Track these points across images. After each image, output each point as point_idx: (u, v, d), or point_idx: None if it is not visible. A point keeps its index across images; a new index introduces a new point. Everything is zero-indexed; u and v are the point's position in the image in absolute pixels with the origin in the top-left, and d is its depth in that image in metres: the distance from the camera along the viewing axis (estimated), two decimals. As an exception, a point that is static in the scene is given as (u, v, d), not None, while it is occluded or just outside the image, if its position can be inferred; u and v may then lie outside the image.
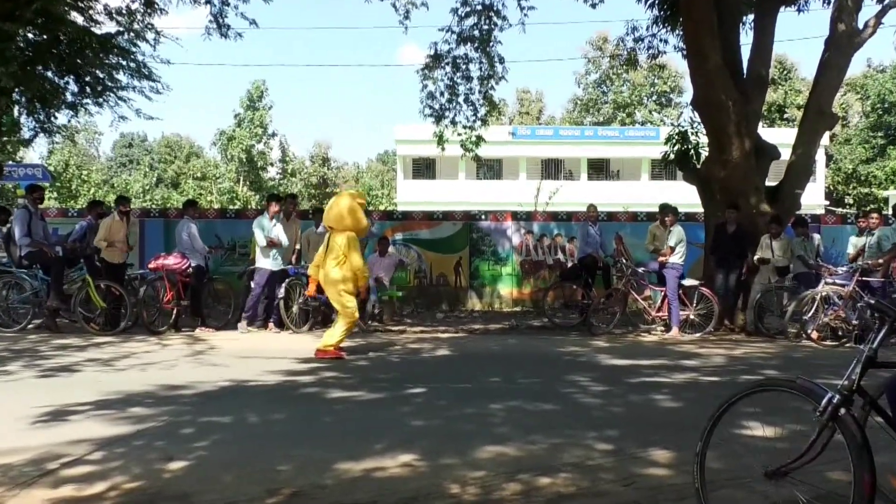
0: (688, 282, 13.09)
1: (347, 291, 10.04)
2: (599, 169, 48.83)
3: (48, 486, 4.56)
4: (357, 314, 10.22)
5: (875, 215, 12.79)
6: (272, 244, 12.86)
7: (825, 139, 21.90)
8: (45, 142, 21.22)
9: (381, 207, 56.50)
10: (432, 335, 12.93)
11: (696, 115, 14.68)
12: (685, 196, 15.24)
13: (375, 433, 5.79)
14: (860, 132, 48.19)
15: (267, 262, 12.91)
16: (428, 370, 9.12)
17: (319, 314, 13.36)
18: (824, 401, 3.59)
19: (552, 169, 47.83)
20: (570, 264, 17.29)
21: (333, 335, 9.98)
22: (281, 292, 12.75)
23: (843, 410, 3.56)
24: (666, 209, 13.41)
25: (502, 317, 16.09)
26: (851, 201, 48.13)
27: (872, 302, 3.53)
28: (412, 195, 44.71)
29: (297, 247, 13.71)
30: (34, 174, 19.47)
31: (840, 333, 12.10)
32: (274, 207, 13.18)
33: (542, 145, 46.19)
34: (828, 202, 45.44)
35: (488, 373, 8.79)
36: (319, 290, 10.39)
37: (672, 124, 17.72)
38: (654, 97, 58.10)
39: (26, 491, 4.47)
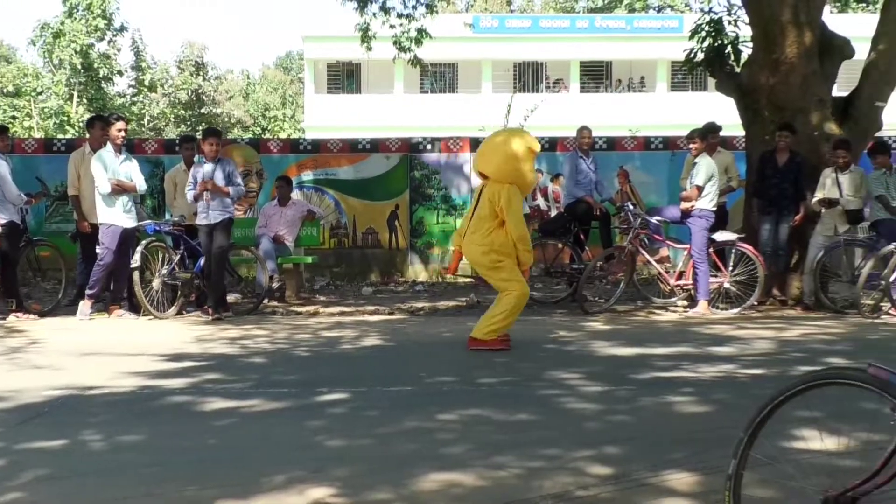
0: (722, 235, 13.25)
1: (502, 261, 10.10)
2: (597, 76, 49.03)
3: None
4: (527, 287, 10.34)
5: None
6: (119, 189, 12.72)
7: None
8: None
9: (283, 134, 56.30)
10: (357, 318, 12.94)
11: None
12: (718, 113, 15.37)
13: (274, 459, 5.80)
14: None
15: (115, 216, 12.78)
16: (351, 368, 9.12)
17: (192, 291, 13.30)
18: (906, 397, 3.69)
19: (529, 76, 47.89)
20: (553, 213, 17.39)
21: (493, 318, 10.06)
22: (136, 260, 12.65)
23: (934, 411, 3.66)
24: (695, 132, 13.51)
25: (457, 290, 16.18)
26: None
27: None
28: (327, 116, 44.54)
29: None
30: None
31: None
32: (210, 146, 13.02)
33: (514, 42, 46.19)
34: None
35: (438, 370, 8.82)
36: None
37: (701, 10, 17.80)
38: (677, -29, 58.21)
39: None
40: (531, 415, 7.03)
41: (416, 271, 18.06)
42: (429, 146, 18.35)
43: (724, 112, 16.39)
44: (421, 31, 18.03)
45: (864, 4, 51.36)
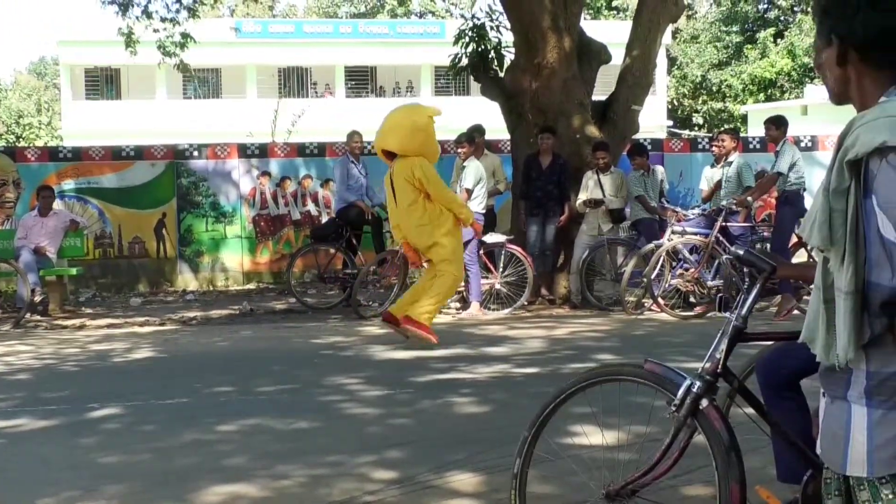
0: (491, 238, 13.48)
1: (447, 237, 10.39)
2: (362, 81, 49.21)
3: None
4: (461, 272, 10.78)
5: (727, 137, 13.60)
6: None
7: (666, 36, 23.08)
8: None
9: (40, 142, 54.26)
10: (126, 330, 12.65)
11: (498, 2, 15.03)
12: (481, 117, 15.60)
13: (44, 480, 5.61)
14: (710, 26, 51.38)
15: None
16: (122, 381, 8.91)
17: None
18: (681, 390, 3.83)
19: (295, 82, 47.70)
20: (325, 218, 17.34)
21: (430, 299, 10.26)
22: None
23: (704, 402, 3.82)
24: (463, 136, 13.70)
25: (230, 299, 15.94)
26: (701, 120, 51.36)
27: (741, 254, 3.78)
28: (87, 123, 43.10)
29: None
30: None
31: (693, 300, 12.93)
32: None
33: (279, 47, 45.82)
34: (671, 122, 48.27)
35: (214, 381, 8.72)
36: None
37: (463, 16, 18.07)
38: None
39: None
40: (312, 422, 7.01)
41: (186, 280, 17.68)
42: (195, 153, 17.99)
43: (487, 116, 16.64)
44: (186, 35, 17.68)
45: (616, 12, 53.32)
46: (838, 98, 2.65)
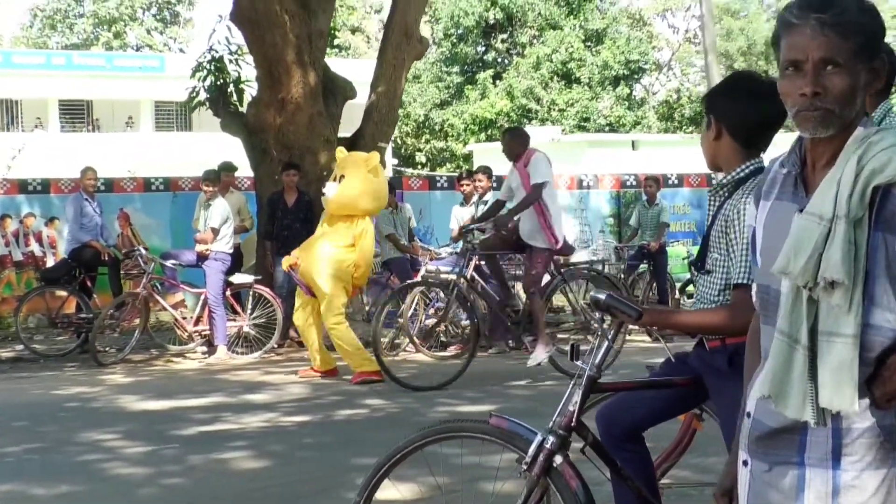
0: (239, 278, 13.01)
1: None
2: (78, 114, 47.40)
3: None
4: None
5: (483, 177, 13.67)
6: None
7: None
8: None
9: None
10: None
11: (238, 33, 14.64)
12: (210, 153, 15.09)
13: None
14: (431, 66, 52.30)
15: None
16: None
17: None
18: (533, 446, 3.61)
19: (7, 115, 45.44)
20: (50, 259, 16.37)
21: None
22: None
23: (558, 458, 3.60)
24: (211, 173, 13.19)
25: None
26: (424, 159, 52.08)
27: (601, 298, 3.54)
28: None
29: None
30: None
31: (444, 339, 12.80)
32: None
33: (-12, 79, 43.67)
34: (396, 161, 48.70)
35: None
36: None
37: (182, 50, 17.54)
38: (155, 10, 57.87)
39: None
40: (75, 485, 6.39)
41: None
42: None
43: (212, 152, 16.12)
44: None
45: (339, 50, 53.50)
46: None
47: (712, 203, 3.66)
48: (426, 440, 3.82)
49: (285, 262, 11.24)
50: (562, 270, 11.00)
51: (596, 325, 3.69)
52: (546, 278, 11.49)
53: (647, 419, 4.01)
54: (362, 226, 10.87)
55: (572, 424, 3.62)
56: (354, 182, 10.69)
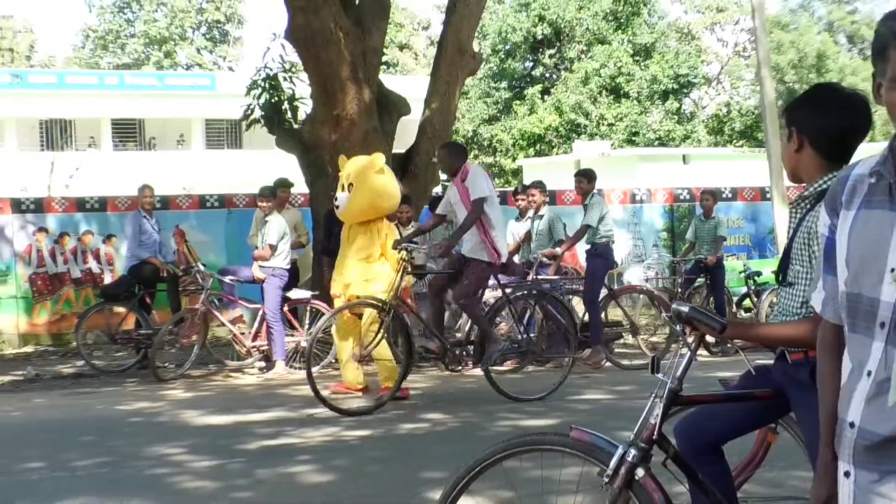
0: (296, 293, 13.06)
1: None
2: (130, 133, 47.85)
3: None
4: None
5: (536, 192, 13.68)
6: None
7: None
8: None
9: None
10: None
11: (294, 51, 14.74)
12: (260, 171, 15.18)
13: None
14: (479, 82, 52.36)
15: None
16: None
17: None
18: (614, 460, 3.61)
19: (57, 134, 45.95)
20: (108, 276, 16.57)
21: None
22: None
23: (640, 471, 3.60)
24: (267, 189, 13.23)
25: (7, 364, 14.89)
26: (468, 175, 52.18)
27: (685, 311, 3.54)
28: None
29: None
30: None
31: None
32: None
33: (39, 98, 44.07)
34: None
35: (18, 456, 7.98)
36: None
37: (231, 68, 17.67)
38: (204, 29, 58.35)
39: None
40: (147, 499, 6.44)
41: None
42: (-36, 208, 16.88)
43: (262, 170, 16.22)
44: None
45: (387, 67, 53.70)
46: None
47: (794, 215, 3.66)
48: (507, 453, 3.82)
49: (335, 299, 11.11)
50: (506, 291, 10.88)
51: (680, 339, 3.63)
52: (495, 293, 11.53)
53: (728, 432, 4.00)
54: (384, 231, 10.71)
55: (654, 437, 3.62)
56: (365, 187, 10.57)
